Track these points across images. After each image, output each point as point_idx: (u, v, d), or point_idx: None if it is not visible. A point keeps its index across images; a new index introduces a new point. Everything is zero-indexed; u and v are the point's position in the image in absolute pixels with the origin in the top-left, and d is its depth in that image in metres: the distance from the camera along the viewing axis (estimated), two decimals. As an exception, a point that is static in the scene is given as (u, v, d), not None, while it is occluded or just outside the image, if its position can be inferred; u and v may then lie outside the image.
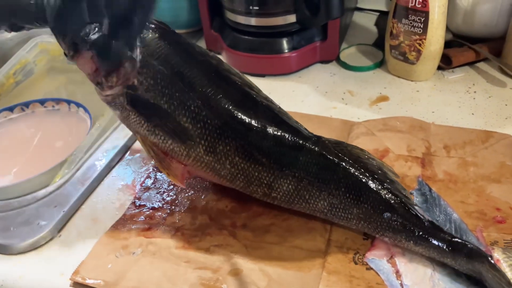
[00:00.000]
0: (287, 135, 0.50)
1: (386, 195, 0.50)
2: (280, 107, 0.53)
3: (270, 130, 0.50)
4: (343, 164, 0.50)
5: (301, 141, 0.51)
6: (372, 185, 0.50)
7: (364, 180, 0.50)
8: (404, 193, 0.50)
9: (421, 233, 0.48)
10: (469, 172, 0.59)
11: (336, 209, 0.50)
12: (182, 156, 0.51)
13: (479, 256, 0.46)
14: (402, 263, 0.49)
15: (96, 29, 0.46)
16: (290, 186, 0.50)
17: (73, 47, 0.48)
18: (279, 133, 0.50)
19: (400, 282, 0.48)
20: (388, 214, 0.49)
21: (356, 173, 0.50)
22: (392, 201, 0.49)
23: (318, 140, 0.52)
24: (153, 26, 0.51)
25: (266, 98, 0.53)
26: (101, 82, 0.49)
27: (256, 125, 0.50)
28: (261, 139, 0.50)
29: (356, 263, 0.50)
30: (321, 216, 0.52)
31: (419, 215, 0.49)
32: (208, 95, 0.49)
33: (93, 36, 0.45)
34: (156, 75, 0.49)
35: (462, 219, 0.53)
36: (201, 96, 0.49)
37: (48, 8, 0.46)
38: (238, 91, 0.51)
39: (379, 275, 0.48)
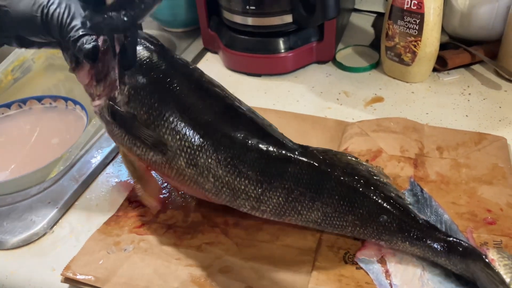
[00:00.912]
0: (273, 147, 0.49)
1: (381, 198, 0.49)
2: (264, 119, 0.52)
3: (254, 142, 0.49)
4: (335, 172, 0.49)
5: (288, 153, 0.50)
6: (365, 190, 0.49)
7: (357, 186, 0.49)
8: (397, 194, 0.50)
9: (417, 233, 0.48)
10: (461, 174, 0.59)
11: (331, 218, 0.49)
12: (165, 169, 0.51)
13: (474, 254, 0.46)
14: (392, 263, 0.50)
15: (91, 39, 0.46)
16: (280, 199, 0.49)
17: (74, 59, 0.51)
18: (264, 145, 0.49)
19: (389, 282, 0.48)
20: (384, 217, 0.49)
21: (349, 180, 0.49)
22: (387, 204, 0.49)
23: (306, 150, 0.51)
24: (139, 39, 0.51)
25: (250, 109, 0.52)
26: (92, 93, 0.51)
27: (240, 136, 0.49)
28: (245, 151, 0.49)
29: (346, 263, 0.50)
30: (314, 226, 0.51)
31: (414, 215, 0.49)
32: (188, 106, 0.49)
33: (87, 46, 0.46)
34: (136, 85, 0.49)
35: (453, 220, 0.53)
36: (180, 108, 0.49)
37: (52, 21, 0.46)
38: (220, 103, 0.51)
39: (368, 274, 0.49)
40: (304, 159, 0.49)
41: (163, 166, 0.50)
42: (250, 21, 0.79)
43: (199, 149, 0.49)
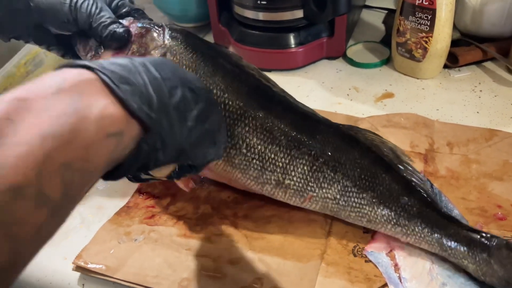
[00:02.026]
0: (304, 117, 0.52)
1: (403, 179, 0.49)
2: (295, 99, 0.55)
3: (287, 111, 0.52)
4: (359, 145, 0.51)
5: (317, 122, 0.52)
6: (388, 168, 0.49)
7: (380, 162, 0.50)
8: (419, 177, 0.50)
9: (438, 220, 0.47)
10: (472, 169, 0.59)
11: (349, 193, 0.49)
12: None
13: (499, 241, 0.45)
14: (401, 256, 0.50)
15: (122, 25, 0.50)
16: (305, 168, 0.50)
17: (95, 47, 0.52)
18: (296, 115, 0.52)
19: (398, 275, 0.48)
20: (405, 199, 0.48)
21: (372, 155, 0.50)
22: (409, 186, 0.49)
23: (332, 123, 0.53)
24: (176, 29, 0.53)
25: (282, 90, 0.54)
26: None
27: (274, 107, 0.51)
28: (279, 119, 0.51)
29: (355, 256, 0.50)
30: (332, 209, 0.51)
31: (436, 203, 0.49)
32: (229, 81, 0.51)
33: (119, 30, 0.50)
34: (180, 56, 0.51)
35: (463, 215, 0.53)
36: (223, 81, 0.50)
37: (80, 9, 0.49)
38: (256, 81, 0.53)
39: (377, 267, 0.49)
40: (331, 129, 0.52)
41: None
42: (261, 16, 0.79)
43: (239, 118, 0.50)
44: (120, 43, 0.50)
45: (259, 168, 0.51)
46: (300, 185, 0.50)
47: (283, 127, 0.50)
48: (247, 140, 0.50)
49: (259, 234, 0.53)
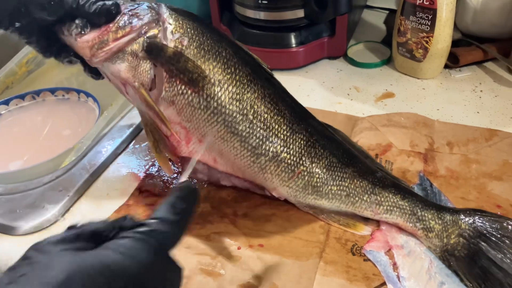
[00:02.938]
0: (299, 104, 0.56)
1: (375, 162, 0.57)
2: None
3: (286, 93, 0.55)
4: (338, 135, 0.57)
5: (308, 115, 0.56)
6: (364, 154, 0.58)
7: (355, 149, 0.57)
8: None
9: (409, 190, 0.53)
10: (471, 169, 0.59)
11: (334, 167, 0.53)
12: (199, 109, 0.50)
13: (463, 211, 0.50)
14: (399, 255, 0.50)
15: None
16: (302, 142, 0.52)
17: (82, 25, 0.50)
18: (294, 99, 0.56)
19: (397, 274, 0.48)
20: (379, 174, 0.53)
21: (349, 143, 0.58)
22: (380, 167, 0.56)
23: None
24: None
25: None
26: (105, 40, 0.50)
27: (278, 84, 0.55)
28: (283, 94, 0.54)
29: (353, 254, 0.50)
30: (316, 180, 0.53)
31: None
32: (236, 48, 0.52)
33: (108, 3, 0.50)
34: (179, 22, 0.51)
35: (462, 214, 0.53)
36: (230, 45, 0.52)
37: None
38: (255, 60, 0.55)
39: (376, 266, 0.49)
40: (316, 119, 0.57)
41: (199, 104, 0.50)
42: (262, 15, 0.79)
43: (249, 83, 0.51)
44: (108, 17, 0.49)
45: (261, 137, 0.51)
46: (294, 158, 0.52)
47: (288, 100, 0.54)
48: (255, 106, 0.51)
49: (258, 233, 0.53)
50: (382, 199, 0.52)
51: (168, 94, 0.50)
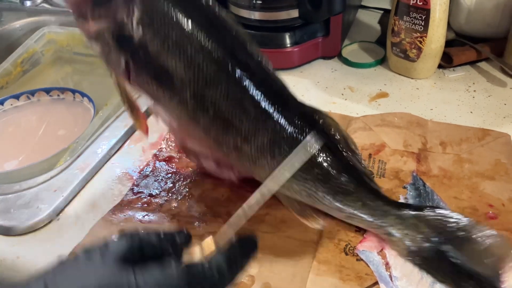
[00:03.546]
0: (274, 93, 0.50)
1: (345, 159, 0.51)
2: (274, 71, 0.53)
3: (260, 85, 0.49)
4: (314, 128, 0.50)
5: (286, 100, 0.51)
6: (335, 148, 0.51)
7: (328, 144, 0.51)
8: (362, 163, 0.52)
9: (369, 194, 0.50)
10: (464, 169, 0.59)
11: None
12: (164, 99, 0.49)
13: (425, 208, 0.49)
14: (392, 255, 0.50)
15: None
16: (265, 140, 0.49)
17: None
18: (268, 88, 0.50)
19: (389, 273, 0.48)
20: (344, 178, 0.50)
21: (323, 135, 0.50)
22: (349, 165, 0.51)
23: (298, 103, 0.52)
24: None
25: (258, 53, 0.52)
26: (85, 14, 0.49)
27: (250, 76, 0.49)
28: (253, 88, 0.48)
29: (346, 254, 0.50)
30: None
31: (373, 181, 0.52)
32: (206, 39, 0.47)
33: None
34: (153, 12, 0.47)
35: (455, 214, 0.53)
36: (199, 39, 0.47)
37: None
38: (236, 42, 0.50)
39: (369, 266, 0.49)
40: (295, 110, 0.51)
41: (163, 96, 0.49)
42: (256, 15, 0.79)
43: (212, 81, 0.47)
44: None
45: (220, 130, 0.49)
46: (256, 154, 0.49)
47: (254, 98, 0.48)
48: (216, 104, 0.48)
49: (251, 233, 0.53)
50: (342, 206, 0.50)
51: (137, 81, 0.49)
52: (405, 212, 0.49)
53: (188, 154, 0.59)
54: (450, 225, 0.48)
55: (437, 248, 0.47)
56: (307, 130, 0.50)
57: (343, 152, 0.51)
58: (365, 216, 0.50)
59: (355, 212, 0.50)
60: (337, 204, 0.50)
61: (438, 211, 0.49)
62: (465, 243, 0.47)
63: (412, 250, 0.49)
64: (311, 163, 0.49)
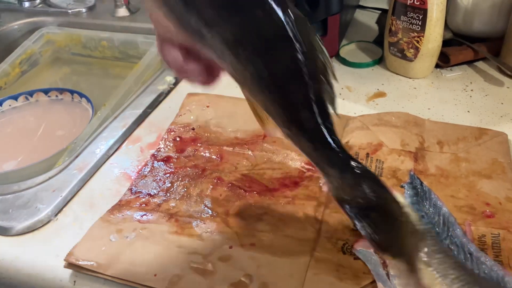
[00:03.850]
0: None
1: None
2: None
3: None
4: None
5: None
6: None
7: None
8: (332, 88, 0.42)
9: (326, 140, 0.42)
10: (461, 168, 0.59)
11: None
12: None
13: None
14: (389, 253, 0.50)
15: None
16: None
17: None
18: None
19: (386, 272, 0.48)
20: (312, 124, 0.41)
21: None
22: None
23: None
24: None
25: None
26: None
27: None
28: None
29: (344, 253, 0.51)
30: None
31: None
32: None
33: None
34: None
35: (452, 213, 0.53)
36: None
37: None
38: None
39: (366, 265, 0.49)
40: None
41: None
42: (254, 15, 0.79)
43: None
44: None
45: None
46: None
47: None
48: None
49: (250, 232, 0.54)
50: (298, 142, 0.43)
51: None
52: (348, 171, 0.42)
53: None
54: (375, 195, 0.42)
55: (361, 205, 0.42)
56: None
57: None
58: (314, 158, 0.43)
59: (306, 150, 0.43)
60: (293, 138, 0.43)
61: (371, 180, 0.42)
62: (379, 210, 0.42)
63: (341, 197, 0.43)
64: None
